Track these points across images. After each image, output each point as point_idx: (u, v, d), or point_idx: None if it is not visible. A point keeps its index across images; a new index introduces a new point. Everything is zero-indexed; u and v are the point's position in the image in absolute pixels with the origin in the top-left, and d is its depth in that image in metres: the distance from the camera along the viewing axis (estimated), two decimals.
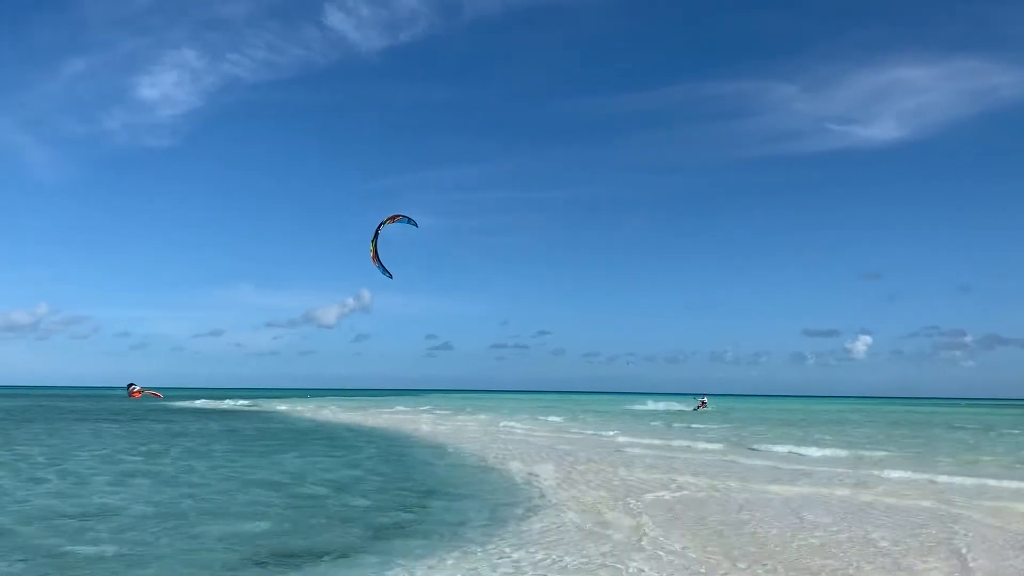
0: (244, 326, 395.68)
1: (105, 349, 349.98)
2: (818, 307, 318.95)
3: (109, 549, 13.73)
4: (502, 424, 57.27)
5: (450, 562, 13.09)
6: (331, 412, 79.58)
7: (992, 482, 23.75)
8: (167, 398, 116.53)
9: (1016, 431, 58.10)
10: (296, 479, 23.87)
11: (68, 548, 13.82)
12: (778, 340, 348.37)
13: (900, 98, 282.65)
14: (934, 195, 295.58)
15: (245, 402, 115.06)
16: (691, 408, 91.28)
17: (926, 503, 19.57)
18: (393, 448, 36.13)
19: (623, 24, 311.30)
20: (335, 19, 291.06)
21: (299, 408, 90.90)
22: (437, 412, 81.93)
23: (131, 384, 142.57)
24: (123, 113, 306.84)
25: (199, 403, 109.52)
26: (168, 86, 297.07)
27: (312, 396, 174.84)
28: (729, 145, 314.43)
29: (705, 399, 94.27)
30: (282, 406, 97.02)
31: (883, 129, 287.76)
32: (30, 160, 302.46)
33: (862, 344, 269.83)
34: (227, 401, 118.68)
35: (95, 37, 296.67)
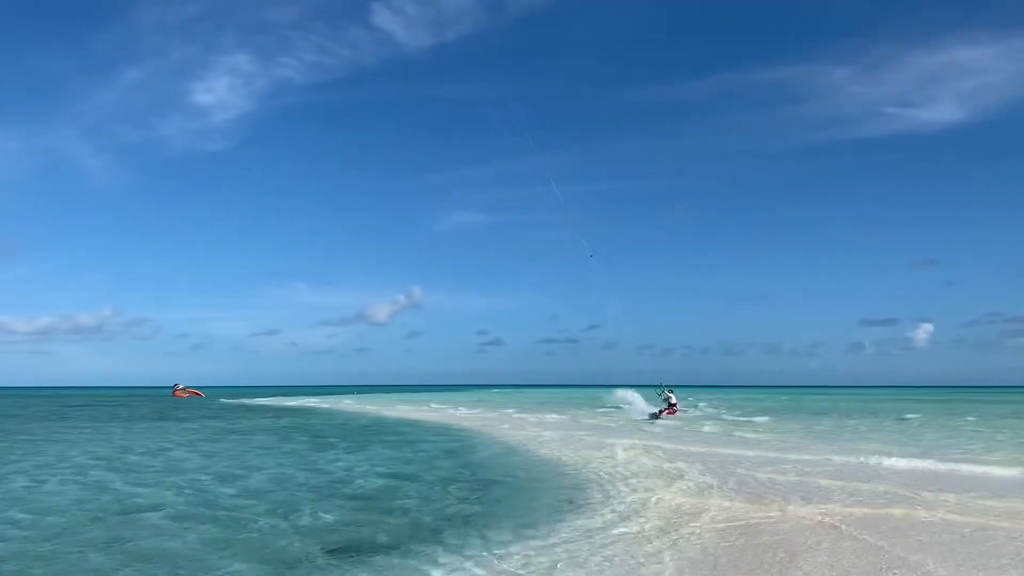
0: (299, 325, 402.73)
1: (165, 350, 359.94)
2: (874, 296, 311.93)
3: (179, 543, 14.52)
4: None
5: (514, 555, 13.58)
6: (386, 408, 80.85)
7: None
8: (225, 397, 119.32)
9: None
10: (357, 474, 24.57)
11: (142, 542, 14.65)
12: (835, 330, 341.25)
13: (959, 79, 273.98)
14: (993, 178, 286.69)
15: (303, 400, 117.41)
16: (651, 414, 50.39)
17: None
18: (450, 442, 36.80)
19: (670, 11, 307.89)
20: (382, 18, 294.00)
21: (355, 405, 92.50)
22: (488, 407, 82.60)
23: (176, 384, 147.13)
24: (179, 119, 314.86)
25: (259, 401, 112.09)
26: (221, 91, 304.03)
27: (366, 393, 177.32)
28: (781, 132, 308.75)
29: (671, 394, 52.12)
30: (338, 403, 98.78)
31: (941, 112, 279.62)
32: (90, 168, 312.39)
33: (923, 332, 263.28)
34: (285, 399, 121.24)
35: (148, 45, 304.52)
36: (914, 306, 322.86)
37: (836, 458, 27.67)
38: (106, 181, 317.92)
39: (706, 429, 43.62)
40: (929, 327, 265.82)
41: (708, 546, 13.89)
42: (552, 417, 60.85)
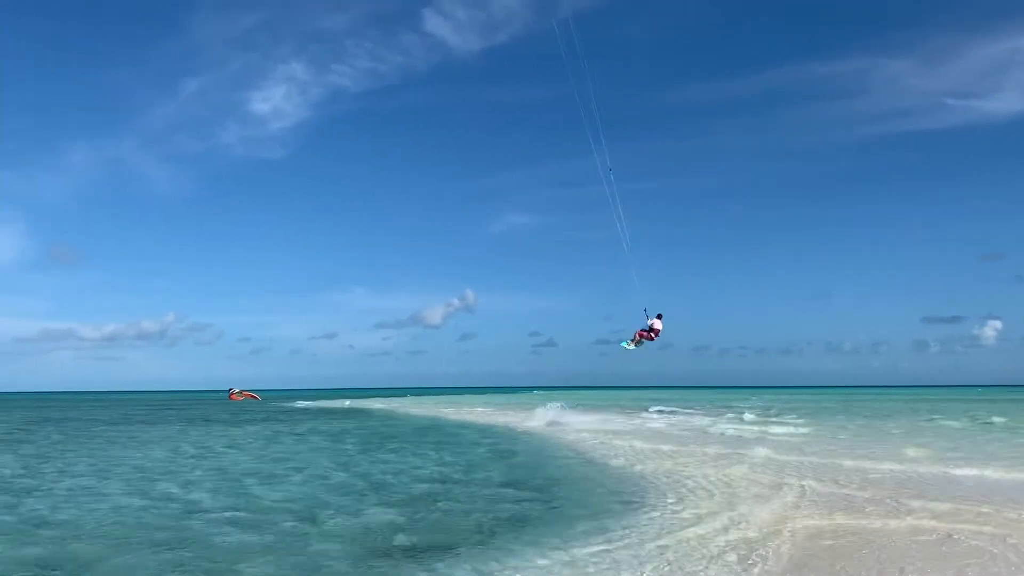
0: (356, 328, 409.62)
1: (227, 353, 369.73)
2: (938, 292, 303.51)
3: (241, 541, 14.76)
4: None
5: (576, 552, 13.47)
6: (442, 410, 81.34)
7: None
8: (284, 399, 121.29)
9: None
10: (414, 476, 24.74)
11: (203, 542, 14.93)
12: (898, 328, 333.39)
13: (1022, 69, 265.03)
14: None
15: (360, 402, 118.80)
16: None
17: None
18: (507, 444, 36.83)
19: (721, 8, 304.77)
20: (433, 24, 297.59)
21: (411, 407, 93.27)
22: (541, 407, 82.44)
23: (231, 388, 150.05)
24: (237, 127, 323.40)
25: (316, 404, 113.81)
26: (278, 99, 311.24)
27: (422, 395, 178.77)
28: (838, 127, 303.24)
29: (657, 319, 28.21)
30: (395, 405, 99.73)
31: (1004, 102, 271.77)
32: (153, 177, 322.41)
33: (991, 330, 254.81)
34: (343, 402, 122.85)
35: (208, 56, 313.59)
36: (981, 302, 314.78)
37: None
38: (168, 190, 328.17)
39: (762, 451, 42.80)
40: (997, 324, 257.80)
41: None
42: (616, 420, 60.43)
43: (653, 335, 25.09)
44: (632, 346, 26.02)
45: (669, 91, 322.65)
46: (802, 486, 20.79)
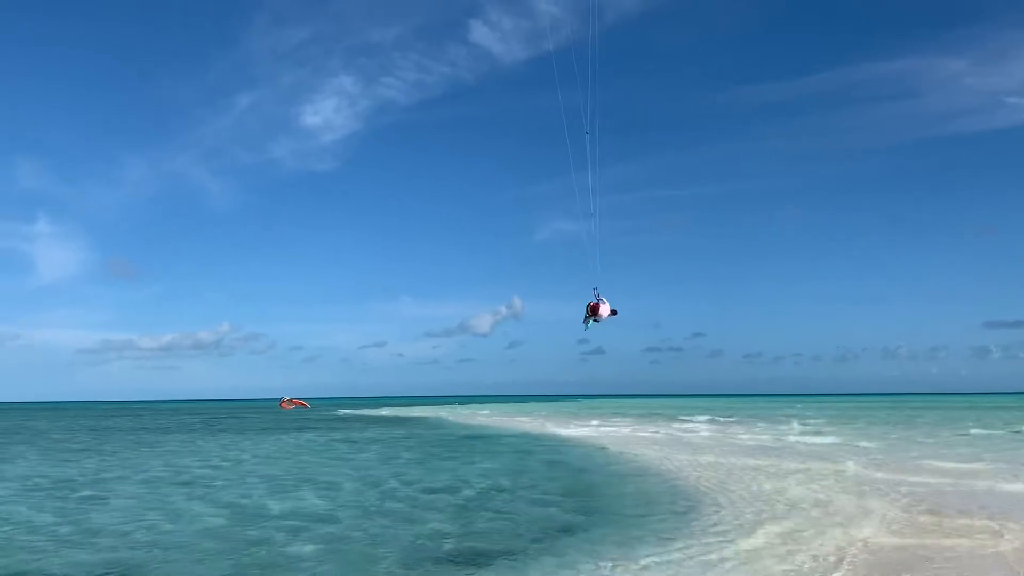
0: (405, 337, 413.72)
1: (280, 363, 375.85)
2: (1001, 296, 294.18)
3: (306, 548, 14.85)
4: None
5: (634, 561, 13.25)
6: (491, 418, 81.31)
7: None
8: (335, 407, 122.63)
9: None
10: (466, 483, 24.69)
11: (270, 547, 15.06)
12: (957, 333, 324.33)
13: None
14: None
15: (409, 410, 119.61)
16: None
17: None
18: (554, 451, 36.59)
19: (774, 9, 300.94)
20: (479, 34, 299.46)
21: (460, 415, 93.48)
22: (594, 419, 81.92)
23: (282, 397, 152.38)
24: (289, 141, 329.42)
25: (366, 412, 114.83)
26: (328, 112, 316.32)
27: (470, 403, 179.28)
28: (893, 128, 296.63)
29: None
30: (444, 413, 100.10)
31: None
32: (208, 191, 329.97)
33: None
34: (393, 410, 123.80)
35: (260, 71, 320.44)
36: None
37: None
38: (223, 203, 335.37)
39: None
40: None
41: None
42: (669, 429, 59.78)
43: (595, 317, 24.03)
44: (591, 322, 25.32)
45: (718, 94, 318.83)
46: (874, 499, 20.22)
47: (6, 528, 17.26)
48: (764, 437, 45.00)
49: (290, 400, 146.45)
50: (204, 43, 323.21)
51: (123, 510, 19.64)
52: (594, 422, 68.66)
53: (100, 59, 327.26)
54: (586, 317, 23.88)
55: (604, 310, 24.04)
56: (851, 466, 27.78)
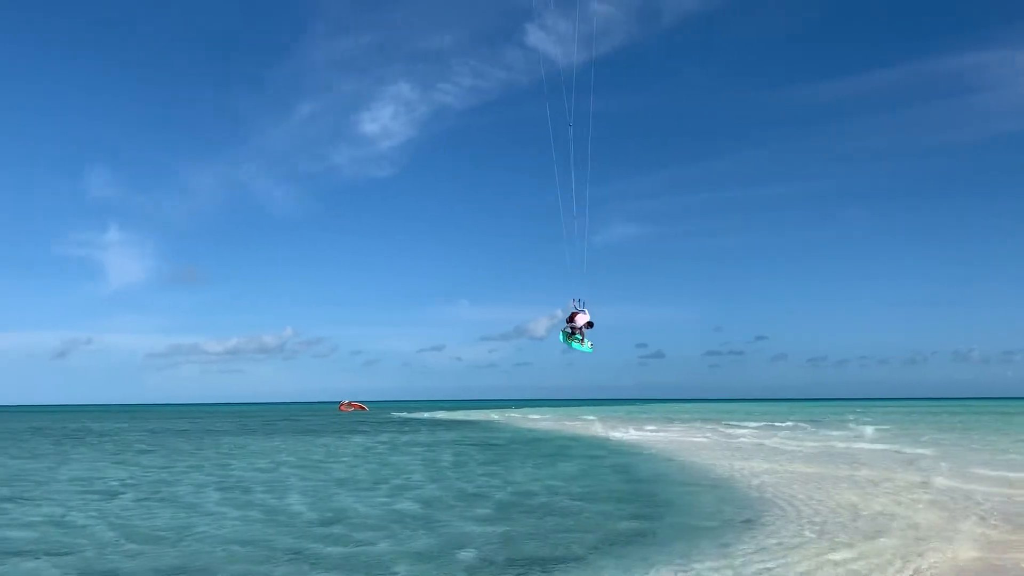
0: (463, 340, 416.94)
1: (342, 366, 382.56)
2: None
3: (369, 547, 15.13)
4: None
5: (697, 568, 13.16)
6: (549, 422, 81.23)
7: None
8: (394, 410, 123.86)
9: None
10: (526, 487, 24.79)
11: (331, 548, 15.39)
12: None
13: None
14: None
15: (467, 413, 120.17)
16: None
17: None
18: (614, 456, 36.45)
19: (838, 4, 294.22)
20: (536, 38, 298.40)
21: (518, 418, 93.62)
22: (652, 423, 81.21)
23: (342, 401, 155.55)
24: (348, 148, 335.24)
25: (425, 415, 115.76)
26: (386, 119, 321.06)
27: (528, 406, 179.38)
28: (966, 123, 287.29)
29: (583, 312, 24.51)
30: (502, 417, 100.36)
31: None
32: (271, 198, 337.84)
33: None
34: (451, 413, 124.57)
35: (320, 80, 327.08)
36: None
37: None
38: (285, 210, 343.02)
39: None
40: None
41: None
42: (734, 434, 58.96)
43: (576, 329, 22.32)
44: (580, 343, 23.15)
45: (780, 93, 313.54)
46: (942, 510, 19.68)
47: (68, 529, 17.97)
48: (825, 444, 44.02)
49: (349, 403, 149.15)
50: (266, 54, 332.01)
51: (181, 512, 20.27)
52: (650, 427, 68.10)
53: (165, 72, 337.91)
54: (568, 333, 22.20)
55: (581, 319, 22.87)
56: (917, 474, 27.03)
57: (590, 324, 22.36)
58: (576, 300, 22.19)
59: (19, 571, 13.55)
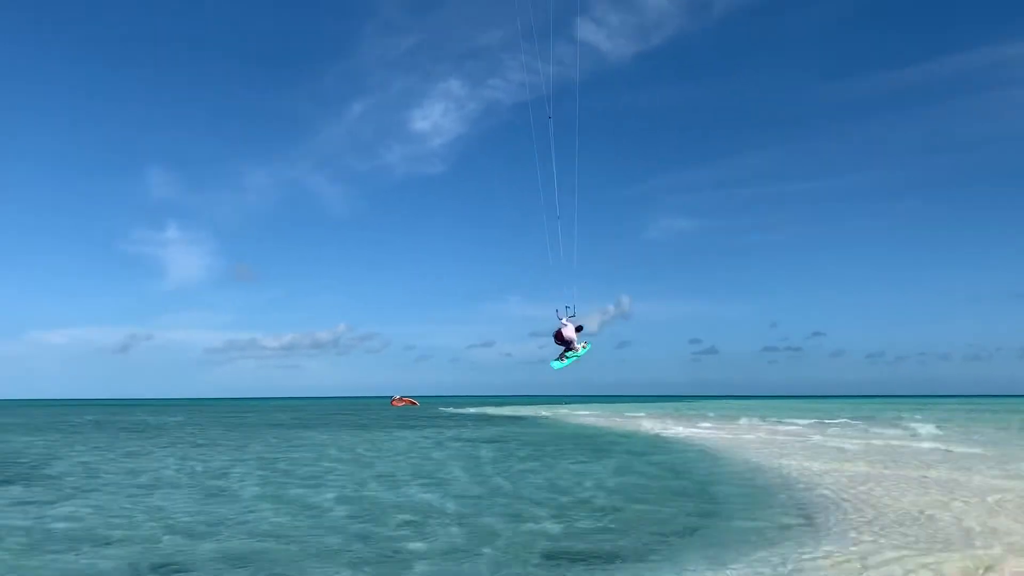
0: (512, 337, 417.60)
1: (394, 362, 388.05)
2: None
3: (419, 544, 15.04)
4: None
5: (742, 567, 12.82)
6: (600, 419, 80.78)
7: None
8: (444, 405, 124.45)
9: None
10: (580, 483, 24.45)
11: (385, 542, 15.33)
12: None
13: None
14: None
15: (517, 409, 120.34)
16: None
17: None
18: (666, 452, 35.98)
19: None
20: (586, 31, 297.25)
21: (569, 415, 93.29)
22: (707, 419, 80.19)
23: (393, 396, 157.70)
24: (399, 146, 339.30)
25: (474, 410, 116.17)
26: (436, 116, 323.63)
27: (579, 403, 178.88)
28: (1017, 114, 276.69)
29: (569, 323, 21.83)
30: (552, 413, 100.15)
31: None
32: (324, 197, 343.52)
33: None
34: (500, 408, 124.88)
35: (372, 79, 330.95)
36: None
37: None
38: (339, 208, 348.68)
39: None
40: None
41: None
42: (794, 431, 57.95)
43: (564, 344, 20.32)
44: (574, 353, 21.03)
45: (833, 85, 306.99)
46: (1005, 516, 18.90)
47: (116, 519, 18.24)
48: (876, 442, 42.82)
49: (400, 398, 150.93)
50: (318, 53, 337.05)
51: (238, 504, 20.53)
52: (702, 424, 67.18)
53: (220, 72, 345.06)
54: (561, 355, 20.19)
55: (568, 331, 20.31)
56: (977, 476, 26.00)
57: (579, 328, 20.42)
58: (561, 310, 19.95)
59: (68, 560, 13.78)
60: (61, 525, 17.27)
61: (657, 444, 42.77)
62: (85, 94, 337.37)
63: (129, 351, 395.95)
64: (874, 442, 42.08)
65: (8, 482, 25.34)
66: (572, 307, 19.88)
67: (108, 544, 15.07)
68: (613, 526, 16.94)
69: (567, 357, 20.19)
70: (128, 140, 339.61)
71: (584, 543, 15.04)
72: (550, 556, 13.94)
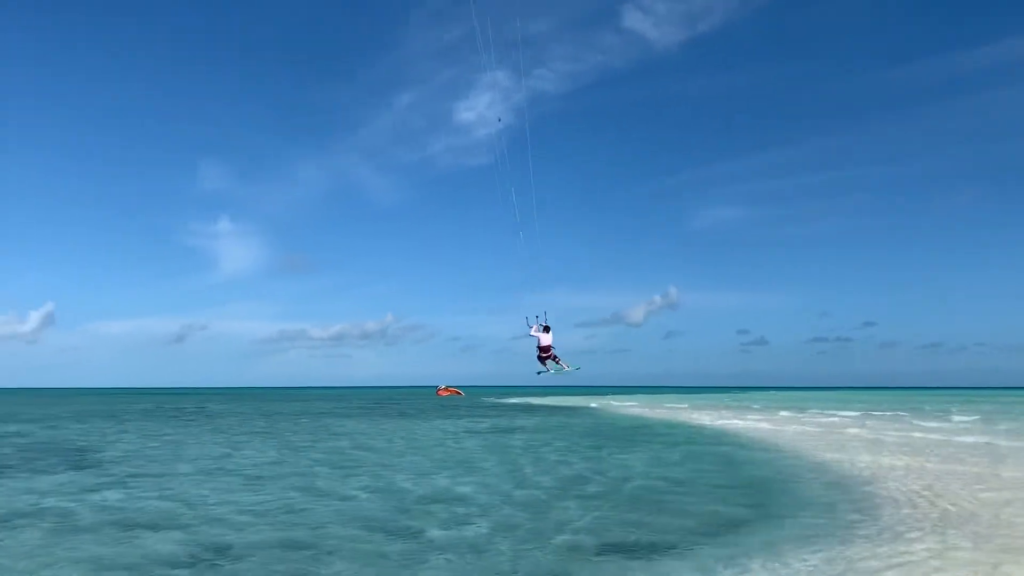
0: (559, 327, 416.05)
1: (440, 352, 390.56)
2: None
3: (465, 531, 14.66)
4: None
5: (793, 561, 12.11)
6: (648, 409, 79.85)
7: None
8: (489, 395, 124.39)
9: None
10: (628, 473, 23.87)
11: (433, 532, 14.97)
12: None
13: None
14: None
15: (563, 399, 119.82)
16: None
17: None
18: (714, 443, 35.12)
19: None
20: (632, 20, 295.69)
21: (616, 405, 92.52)
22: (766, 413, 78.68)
23: (439, 386, 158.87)
24: (445, 137, 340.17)
25: (519, 400, 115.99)
26: (482, 107, 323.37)
27: (626, 394, 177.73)
28: None
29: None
30: (600, 403, 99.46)
31: None
32: (372, 188, 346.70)
33: None
34: (546, 399, 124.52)
35: (418, 70, 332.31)
36: None
37: None
38: (386, 199, 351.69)
39: None
40: None
41: None
42: (844, 423, 56.45)
43: (543, 352, 20.46)
44: (554, 368, 20.99)
45: (883, 72, 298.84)
46: None
47: (177, 505, 18.22)
48: (918, 435, 41.20)
49: (446, 388, 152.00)
50: (366, 45, 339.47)
51: (290, 491, 20.38)
52: (749, 415, 65.80)
53: (269, 65, 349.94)
54: (540, 357, 19.79)
55: (546, 340, 20.22)
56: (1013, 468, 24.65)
57: (547, 328, 20.09)
58: (528, 319, 20.28)
59: (134, 545, 13.67)
60: (127, 506, 17.54)
61: (704, 435, 41.86)
62: (141, 91, 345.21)
63: (185, 341, 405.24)
64: (919, 435, 40.53)
65: (55, 468, 25.65)
66: (543, 315, 20.19)
67: (174, 528, 14.99)
68: (659, 515, 16.44)
69: (551, 368, 20.53)
70: (181, 135, 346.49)
71: (629, 531, 14.54)
72: (600, 546, 13.50)
